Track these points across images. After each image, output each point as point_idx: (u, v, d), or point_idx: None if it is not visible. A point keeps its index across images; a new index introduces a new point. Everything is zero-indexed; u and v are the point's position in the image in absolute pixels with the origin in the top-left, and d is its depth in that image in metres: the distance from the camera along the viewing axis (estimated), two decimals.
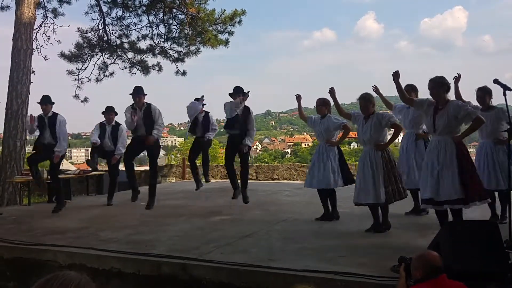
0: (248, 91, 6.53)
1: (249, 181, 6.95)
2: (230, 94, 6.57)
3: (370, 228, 4.97)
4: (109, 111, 7.82)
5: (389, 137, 5.22)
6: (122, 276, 4.02)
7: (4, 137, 10.24)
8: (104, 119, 7.81)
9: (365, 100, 5.08)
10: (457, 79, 5.45)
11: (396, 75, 4.55)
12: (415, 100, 4.64)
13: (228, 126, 6.58)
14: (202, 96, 7.76)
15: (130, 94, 6.70)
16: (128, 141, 7.61)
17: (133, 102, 6.71)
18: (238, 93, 6.48)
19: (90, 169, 8.67)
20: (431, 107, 4.38)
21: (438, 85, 4.33)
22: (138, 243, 4.61)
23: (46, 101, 6.92)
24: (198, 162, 8.56)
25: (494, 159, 5.14)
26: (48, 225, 5.83)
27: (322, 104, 5.81)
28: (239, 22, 13.44)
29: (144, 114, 6.66)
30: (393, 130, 5.11)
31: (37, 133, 7.01)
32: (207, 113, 7.88)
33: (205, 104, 7.86)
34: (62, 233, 5.27)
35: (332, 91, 5.53)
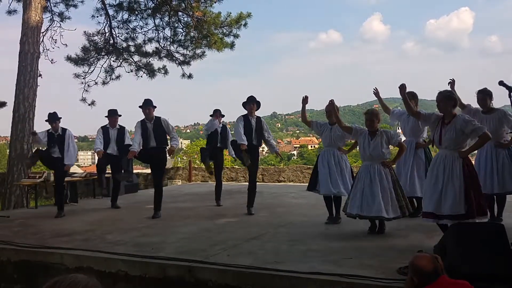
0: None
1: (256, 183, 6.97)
2: (243, 104, 6.73)
3: (368, 230, 5.01)
4: (113, 115, 7.77)
5: None
6: (129, 278, 4.03)
7: (11, 140, 10.31)
8: (107, 122, 7.77)
9: (372, 115, 5.06)
10: (452, 84, 5.42)
11: (402, 88, 4.53)
12: (422, 114, 4.61)
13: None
14: (215, 111, 7.83)
15: (139, 106, 6.67)
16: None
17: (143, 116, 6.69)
18: (252, 102, 6.68)
19: (96, 172, 8.69)
20: (438, 121, 4.39)
21: (446, 98, 4.33)
22: (145, 246, 4.62)
23: (54, 119, 7.06)
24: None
25: (493, 162, 5.11)
26: (55, 227, 5.87)
27: (332, 109, 5.77)
28: (245, 25, 13.47)
29: (154, 126, 6.65)
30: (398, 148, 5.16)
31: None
32: (224, 125, 7.97)
33: (223, 116, 7.95)
34: (69, 235, 5.31)
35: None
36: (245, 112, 6.73)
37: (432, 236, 4.53)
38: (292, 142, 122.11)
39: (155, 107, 6.75)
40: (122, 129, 7.77)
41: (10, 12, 13.10)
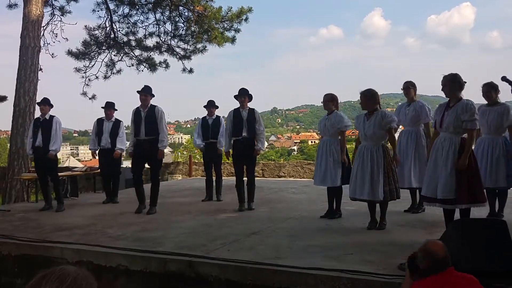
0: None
1: (256, 178, 6.93)
2: (235, 96, 6.58)
3: (368, 226, 4.99)
4: (109, 107, 7.74)
5: None
6: (130, 273, 4.03)
7: (12, 134, 10.30)
8: (103, 114, 7.75)
9: (364, 96, 5.06)
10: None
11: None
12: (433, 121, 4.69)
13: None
14: (209, 102, 7.73)
15: (137, 91, 6.52)
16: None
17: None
18: (244, 95, 6.52)
19: (97, 166, 8.69)
20: (443, 106, 4.36)
21: (451, 82, 4.29)
22: (145, 241, 4.62)
23: (44, 102, 6.97)
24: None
25: (489, 156, 5.06)
26: (55, 222, 5.86)
27: (329, 100, 5.80)
28: (246, 19, 13.43)
29: (146, 114, 6.46)
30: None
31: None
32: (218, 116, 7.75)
33: (217, 107, 7.78)
34: (69, 230, 5.30)
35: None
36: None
37: (433, 231, 4.54)
38: (293, 138, 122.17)
39: (153, 95, 6.60)
40: (117, 122, 7.73)
41: (10, 6, 13.04)
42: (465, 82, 4.35)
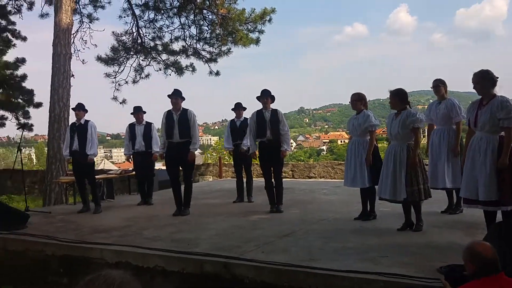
0: None
1: (286, 179, 6.92)
2: (257, 98, 6.57)
3: (400, 227, 4.91)
4: (138, 111, 7.91)
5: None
6: (166, 274, 4.11)
7: (48, 139, 10.64)
8: (134, 120, 7.92)
9: (392, 95, 5.02)
10: None
11: None
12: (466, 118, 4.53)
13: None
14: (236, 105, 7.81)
15: (168, 95, 6.64)
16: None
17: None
18: (266, 96, 6.50)
19: (130, 168, 8.90)
20: (476, 104, 4.26)
21: (483, 79, 4.17)
22: (180, 242, 4.71)
23: (79, 108, 7.21)
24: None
25: None
26: (93, 223, 6.04)
27: (357, 99, 5.75)
28: (269, 20, 13.49)
29: (179, 118, 6.56)
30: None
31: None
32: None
33: (245, 109, 7.85)
34: (107, 231, 5.45)
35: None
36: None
37: (473, 233, 4.44)
38: (321, 137, 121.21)
39: (184, 98, 6.68)
40: (148, 125, 7.90)
41: (42, 15, 13.60)
42: (498, 78, 4.21)
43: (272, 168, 6.51)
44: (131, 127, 7.94)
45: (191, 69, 14.57)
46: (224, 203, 7.55)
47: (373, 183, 5.50)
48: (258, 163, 7.52)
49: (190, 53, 14.37)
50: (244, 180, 7.76)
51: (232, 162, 8.53)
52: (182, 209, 6.55)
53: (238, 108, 7.78)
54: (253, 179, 8.02)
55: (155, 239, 4.93)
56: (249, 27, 13.58)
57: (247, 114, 7.87)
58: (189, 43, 14.33)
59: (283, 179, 6.76)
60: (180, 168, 6.76)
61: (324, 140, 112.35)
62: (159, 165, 9.96)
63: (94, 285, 1.21)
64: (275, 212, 6.37)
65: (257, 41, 13.60)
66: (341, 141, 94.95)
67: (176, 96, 6.62)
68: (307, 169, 12.22)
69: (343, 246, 4.31)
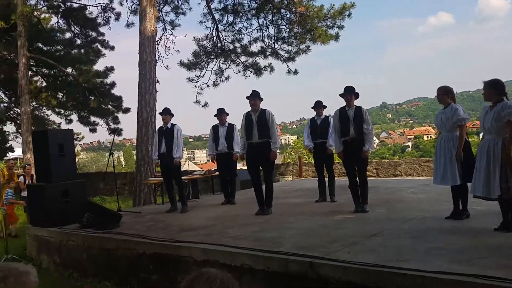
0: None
1: (370, 178, 6.71)
2: (341, 95, 6.41)
3: (498, 227, 4.53)
4: (221, 113, 8.15)
5: None
6: (253, 272, 4.17)
7: (137, 143, 11.30)
8: (217, 121, 8.17)
9: (486, 86, 4.68)
10: None
11: None
12: None
13: None
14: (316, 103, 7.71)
15: (247, 97, 6.76)
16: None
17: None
18: (349, 93, 6.32)
19: (213, 169, 9.20)
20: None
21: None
22: (264, 241, 4.75)
23: (165, 112, 7.58)
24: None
25: None
26: (181, 222, 6.32)
27: (443, 93, 5.43)
28: (349, 15, 13.19)
29: (258, 118, 6.63)
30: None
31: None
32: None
33: (325, 107, 7.75)
34: (194, 230, 5.67)
35: None
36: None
37: None
38: (406, 133, 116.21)
39: (262, 99, 6.75)
40: (231, 126, 8.11)
41: (128, 25, 14.51)
42: None
43: (356, 167, 6.35)
44: (215, 128, 8.20)
45: (269, 69, 14.74)
46: (306, 203, 7.51)
47: (465, 180, 5.16)
48: (341, 162, 7.37)
49: (268, 53, 14.54)
50: (326, 179, 7.66)
51: (313, 161, 8.46)
52: (265, 209, 6.61)
53: (318, 106, 7.69)
54: (336, 178, 7.88)
55: (238, 237, 5.03)
56: (328, 23, 13.40)
57: (327, 111, 7.80)
58: (267, 44, 14.52)
59: (367, 178, 6.56)
60: (260, 168, 6.85)
61: (409, 136, 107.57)
62: (240, 165, 10.19)
63: (199, 283, 1.31)
64: (360, 211, 6.20)
65: (336, 37, 13.38)
66: (427, 137, 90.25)
67: (254, 97, 6.71)
68: (392, 167, 11.74)
69: (434, 247, 4.08)
